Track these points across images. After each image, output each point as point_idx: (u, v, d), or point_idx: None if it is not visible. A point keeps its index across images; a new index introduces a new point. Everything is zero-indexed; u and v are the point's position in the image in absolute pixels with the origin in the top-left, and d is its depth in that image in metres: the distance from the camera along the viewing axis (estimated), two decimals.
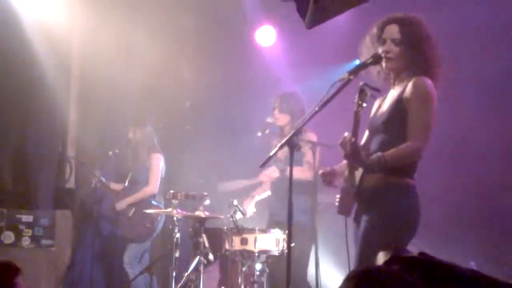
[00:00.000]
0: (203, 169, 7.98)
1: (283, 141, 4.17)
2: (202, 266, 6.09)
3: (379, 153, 3.94)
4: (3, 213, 7.09)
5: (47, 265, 7.15)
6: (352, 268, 4.00)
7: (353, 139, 3.84)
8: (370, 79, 4.12)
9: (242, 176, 7.22)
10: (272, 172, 6.58)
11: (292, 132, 4.13)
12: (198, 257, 6.10)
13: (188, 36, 8.50)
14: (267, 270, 6.10)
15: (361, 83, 3.88)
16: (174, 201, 6.22)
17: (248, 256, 6.07)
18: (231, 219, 6.10)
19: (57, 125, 7.90)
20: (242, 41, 8.34)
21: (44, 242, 7.17)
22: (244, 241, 6.02)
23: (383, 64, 4.15)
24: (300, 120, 4.22)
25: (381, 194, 4.00)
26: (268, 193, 6.62)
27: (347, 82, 3.96)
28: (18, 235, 7.08)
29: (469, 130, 6.97)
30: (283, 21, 7.77)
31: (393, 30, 4.15)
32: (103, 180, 7.57)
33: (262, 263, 6.11)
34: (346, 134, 3.89)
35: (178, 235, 6.21)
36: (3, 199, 7.35)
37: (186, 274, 6.11)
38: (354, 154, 3.88)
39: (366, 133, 4.31)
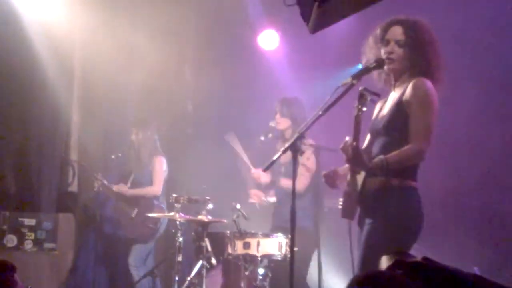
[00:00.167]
0: (205, 173, 7.97)
1: (286, 146, 4.17)
2: (204, 270, 6.09)
3: (381, 156, 3.94)
4: (5, 217, 7.09)
5: (49, 268, 7.15)
6: (356, 272, 3.99)
7: (354, 143, 3.84)
8: (370, 82, 4.12)
9: (242, 181, 7.21)
10: (261, 175, 6.59)
11: (295, 136, 4.13)
12: (200, 261, 6.11)
13: (190, 40, 8.51)
14: (270, 275, 6.10)
15: (360, 88, 3.89)
16: (177, 205, 6.22)
17: (251, 260, 6.07)
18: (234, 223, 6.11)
19: (60, 127, 7.90)
20: (245, 45, 8.34)
21: (47, 245, 7.17)
22: (246, 245, 6.02)
23: (385, 65, 4.15)
24: (303, 124, 4.21)
25: (384, 197, 3.99)
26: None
27: (350, 87, 3.97)
28: (21, 238, 7.08)
29: (470, 131, 6.96)
30: (286, 25, 7.76)
31: (397, 32, 4.16)
32: (106, 183, 7.57)
33: (265, 267, 6.11)
34: (347, 138, 3.89)
35: (181, 239, 6.21)
36: (6, 202, 7.35)
37: (188, 278, 6.12)
38: (356, 158, 3.88)
39: (368, 136, 4.31)
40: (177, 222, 6.23)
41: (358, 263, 4.04)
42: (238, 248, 6.05)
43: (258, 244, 6.00)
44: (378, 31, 4.26)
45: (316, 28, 4.04)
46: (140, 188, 7.48)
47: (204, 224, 6.19)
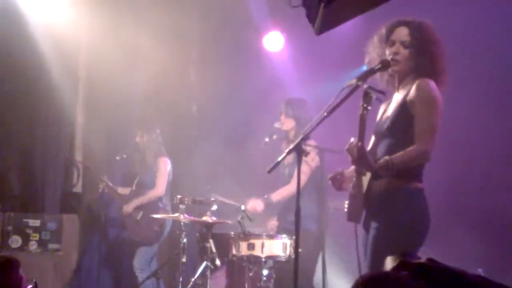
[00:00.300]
0: (209, 174, 7.98)
1: (290, 147, 4.17)
2: (209, 271, 6.09)
3: (387, 157, 3.93)
4: (10, 217, 7.11)
5: (54, 269, 7.17)
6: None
7: (359, 144, 3.84)
8: (375, 82, 4.12)
9: (248, 181, 7.22)
10: (255, 205, 6.58)
11: (300, 137, 4.13)
12: (205, 262, 6.11)
13: (194, 41, 8.52)
14: (274, 276, 6.10)
15: (365, 86, 3.88)
16: (181, 206, 6.23)
17: (255, 261, 6.07)
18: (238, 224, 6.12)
19: (64, 128, 7.92)
20: (250, 46, 8.34)
21: (51, 246, 7.19)
22: (251, 247, 6.02)
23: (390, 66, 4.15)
24: (308, 125, 4.21)
25: (389, 199, 3.98)
26: None
27: (355, 88, 3.96)
28: (25, 239, 7.10)
29: (471, 131, 6.95)
30: (291, 27, 7.76)
31: (403, 33, 4.15)
32: (110, 184, 7.57)
33: (269, 268, 6.11)
34: (352, 139, 3.88)
35: (185, 240, 6.22)
36: (11, 203, 7.38)
37: (193, 279, 6.12)
38: (361, 159, 3.88)
39: (372, 138, 4.30)
40: (182, 223, 6.24)
41: (366, 266, 4.03)
42: (243, 249, 6.05)
43: (262, 245, 6.00)
44: (383, 31, 4.25)
45: (322, 29, 4.03)
46: (142, 196, 7.47)
47: (209, 225, 6.19)
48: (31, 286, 3.49)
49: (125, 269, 7.66)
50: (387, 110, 4.23)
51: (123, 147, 7.75)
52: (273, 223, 6.81)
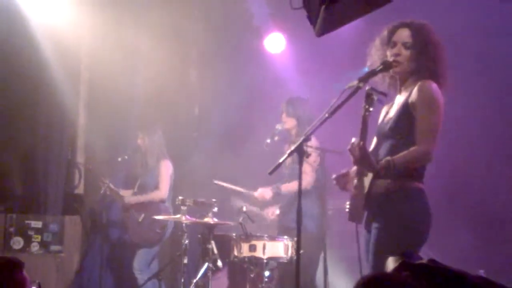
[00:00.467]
0: (211, 175, 7.98)
1: (292, 148, 4.17)
2: (210, 272, 6.10)
3: (388, 158, 3.94)
4: (12, 219, 7.11)
5: (55, 270, 7.17)
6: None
7: (361, 143, 3.84)
8: (375, 85, 4.12)
9: (249, 183, 7.22)
10: (265, 193, 6.62)
11: (301, 138, 4.13)
12: (206, 263, 6.11)
13: (196, 43, 8.53)
14: (276, 277, 6.11)
15: (367, 88, 3.88)
16: (183, 208, 6.23)
17: (257, 262, 6.08)
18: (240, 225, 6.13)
19: (66, 130, 7.93)
20: (251, 47, 8.35)
21: (53, 247, 7.20)
22: (252, 248, 6.04)
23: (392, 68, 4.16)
24: (310, 126, 4.22)
25: (391, 199, 3.99)
26: None
27: (356, 90, 3.97)
28: (27, 240, 7.11)
29: (471, 132, 6.96)
30: (292, 28, 7.76)
31: (404, 34, 4.17)
32: (112, 186, 7.58)
33: (271, 270, 6.11)
34: (353, 139, 3.89)
35: (187, 241, 6.22)
36: (13, 204, 7.38)
37: (194, 281, 6.13)
38: (363, 159, 3.89)
39: (374, 139, 4.31)
40: (183, 225, 6.24)
41: (369, 266, 4.03)
42: (244, 250, 6.06)
43: (264, 247, 6.01)
44: (385, 33, 4.27)
45: (323, 31, 4.03)
46: (146, 194, 7.48)
47: (210, 227, 6.20)
48: (34, 287, 3.50)
49: (127, 270, 7.65)
50: (389, 112, 4.24)
51: (125, 149, 7.75)
52: (272, 210, 6.82)
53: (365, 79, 4.02)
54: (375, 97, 3.83)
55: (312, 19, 3.99)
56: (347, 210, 4.15)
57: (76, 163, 8.11)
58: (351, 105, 3.94)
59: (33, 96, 7.56)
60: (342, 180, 4.23)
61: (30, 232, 7.14)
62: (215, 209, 6.26)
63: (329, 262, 6.11)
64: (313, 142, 6.19)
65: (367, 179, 4.03)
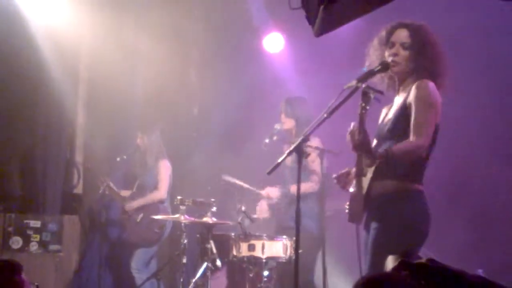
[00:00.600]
0: (210, 175, 7.98)
1: (291, 148, 4.18)
2: (209, 272, 6.10)
3: (386, 148, 3.93)
4: (11, 219, 7.12)
5: (54, 270, 7.18)
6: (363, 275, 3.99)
7: (362, 126, 3.79)
8: (373, 85, 4.12)
9: (248, 182, 7.23)
10: (272, 193, 6.62)
11: (300, 138, 4.14)
12: (205, 263, 6.11)
13: (195, 43, 8.53)
14: (275, 277, 6.11)
15: (363, 86, 3.87)
16: (182, 207, 6.23)
17: (256, 262, 6.08)
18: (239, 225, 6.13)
19: (65, 130, 7.94)
20: (250, 47, 8.34)
21: (52, 247, 7.20)
22: (251, 248, 6.04)
23: (390, 68, 4.16)
24: (309, 127, 4.22)
25: (390, 200, 3.99)
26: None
27: (355, 90, 3.97)
28: (26, 240, 7.11)
29: (471, 132, 6.96)
30: (291, 28, 7.77)
31: (403, 34, 4.18)
32: (111, 185, 7.58)
33: (270, 269, 6.12)
34: (353, 123, 3.84)
35: (185, 241, 6.23)
36: (11, 204, 7.38)
37: (193, 280, 6.12)
38: (363, 143, 3.82)
39: (374, 141, 4.31)
40: (182, 224, 6.25)
41: (367, 267, 4.04)
42: (243, 250, 6.07)
43: (263, 246, 6.02)
44: (383, 33, 4.28)
45: (321, 31, 4.04)
46: (145, 197, 7.49)
47: (209, 226, 6.20)
48: None
49: (125, 270, 7.66)
50: (388, 113, 4.24)
51: (124, 148, 7.75)
52: (264, 207, 6.82)
53: (363, 79, 4.02)
54: (372, 95, 3.82)
55: (310, 19, 3.99)
56: (346, 211, 4.15)
57: (75, 162, 8.11)
58: (350, 105, 3.94)
59: (32, 96, 7.57)
60: (343, 179, 4.23)
61: (29, 232, 7.14)
62: (214, 209, 6.27)
63: (328, 262, 6.11)
64: (313, 142, 6.19)
65: (366, 180, 4.03)
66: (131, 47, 7.95)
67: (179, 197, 6.33)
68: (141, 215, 7.41)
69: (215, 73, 8.34)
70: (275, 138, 6.63)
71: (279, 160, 4.26)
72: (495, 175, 7.06)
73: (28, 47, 7.34)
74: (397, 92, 4.24)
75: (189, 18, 8.21)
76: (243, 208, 6.24)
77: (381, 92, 3.95)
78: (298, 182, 4.16)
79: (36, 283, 3.75)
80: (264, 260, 6.04)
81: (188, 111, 8.69)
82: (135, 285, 7.28)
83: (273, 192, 6.69)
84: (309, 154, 4.24)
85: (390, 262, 2.24)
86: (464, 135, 6.88)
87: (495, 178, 7.06)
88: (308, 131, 4.15)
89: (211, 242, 6.17)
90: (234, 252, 6.12)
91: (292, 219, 4.44)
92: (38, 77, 7.48)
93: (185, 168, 8.14)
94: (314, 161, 6.38)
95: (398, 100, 4.18)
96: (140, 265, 7.39)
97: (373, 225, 4.06)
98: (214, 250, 6.17)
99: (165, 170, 7.52)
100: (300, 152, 4.11)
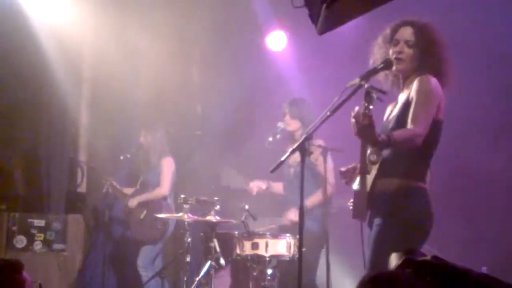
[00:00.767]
0: (213, 174, 7.99)
1: (294, 147, 4.18)
2: (213, 270, 6.10)
3: (388, 133, 3.91)
4: (15, 218, 7.13)
5: (58, 269, 7.19)
6: (366, 272, 3.99)
7: (368, 109, 3.69)
8: (378, 84, 4.11)
9: (250, 180, 7.23)
10: (292, 216, 6.46)
11: (303, 137, 4.14)
12: (209, 261, 6.12)
13: (198, 41, 8.53)
14: (278, 275, 6.11)
15: (366, 86, 3.86)
16: (185, 206, 6.24)
17: (259, 260, 6.08)
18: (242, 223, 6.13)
19: (69, 129, 7.95)
20: (253, 46, 8.34)
21: (56, 246, 7.22)
22: (255, 246, 6.04)
23: (394, 66, 4.16)
24: (312, 125, 4.22)
25: (393, 198, 3.99)
26: None
27: (358, 88, 3.96)
28: (30, 239, 7.13)
29: (475, 130, 6.96)
30: (294, 26, 7.76)
31: (407, 32, 4.17)
32: (115, 184, 7.59)
33: (273, 267, 6.12)
34: (357, 108, 3.74)
35: (189, 239, 6.24)
36: (15, 203, 7.40)
37: (197, 279, 6.13)
38: (368, 127, 3.70)
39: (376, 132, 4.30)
40: (186, 223, 6.25)
41: (368, 263, 4.04)
42: (247, 248, 6.07)
43: (266, 245, 6.01)
44: (387, 31, 4.27)
45: (324, 29, 4.04)
46: (148, 193, 7.51)
47: (213, 225, 6.20)
48: None
49: (130, 268, 7.68)
50: (393, 110, 4.24)
51: (127, 147, 7.77)
52: (257, 184, 6.81)
53: (366, 77, 4.01)
54: (375, 95, 3.80)
55: (313, 18, 4.00)
56: (350, 207, 4.15)
57: (79, 161, 8.13)
58: (353, 103, 3.94)
59: (36, 95, 7.58)
60: (349, 175, 4.23)
61: (33, 231, 7.16)
62: (218, 207, 6.27)
63: (332, 260, 6.10)
64: (317, 141, 6.18)
65: (370, 177, 4.03)
66: (134, 47, 7.96)
67: (182, 196, 6.34)
68: (144, 212, 7.43)
69: (218, 71, 8.34)
70: (278, 136, 6.62)
71: (282, 159, 4.26)
72: (495, 174, 7.06)
73: (31, 47, 7.35)
74: (401, 89, 4.24)
75: (191, 17, 8.21)
76: (246, 207, 6.23)
77: (384, 92, 3.92)
78: (301, 180, 4.16)
79: (39, 282, 3.76)
80: (267, 259, 6.04)
81: (191, 110, 8.69)
82: (141, 283, 7.30)
83: (258, 185, 6.65)
84: (312, 153, 4.25)
85: (394, 260, 2.24)
86: (465, 135, 6.88)
87: (498, 178, 7.05)
88: (311, 130, 4.15)
89: (215, 240, 6.17)
90: (238, 251, 6.13)
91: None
92: (41, 76, 7.50)
93: (189, 167, 8.15)
94: (317, 159, 6.37)
95: (402, 97, 4.18)
96: (146, 263, 7.40)
97: (376, 221, 4.06)
98: (218, 249, 6.17)
99: (168, 167, 7.53)
100: (303, 150, 4.11)
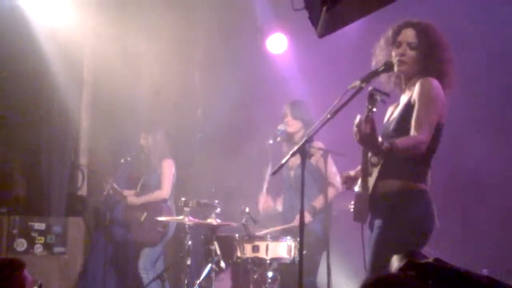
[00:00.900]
0: (214, 177, 7.99)
1: (295, 149, 4.18)
2: (213, 273, 6.10)
3: (391, 140, 3.91)
4: (15, 221, 7.13)
5: (59, 272, 7.20)
6: (367, 275, 3.99)
7: (370, 116, 3.68)
8: (380, 86, 4.11)
9: (251, 183, 7.22)
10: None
11: (303, 139, 4.14)
12: (209, 264, 6.11)
13: (199, 44, 8.53)
14: (279, 278, 6.11)
15: (370, 88, 3.84)
16: (186, 209, 6.24)
17: (260, 263, 6.08)
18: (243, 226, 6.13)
19: (69, 133, 7.95)
20: (254, 48, 8.35)
21: (57, 249, 7.22)
22: (255, 249, 6.04)
23: (396, 67, 4.15)
24: (312, 127, 4.22)
25: (394, 200, 3.99)
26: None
27: (358, 90, 3.96)
28: (31, 242, 7.13)
29: (476, 129, 6.96)
30: (295, 29, 7.77)
31: (410, 34, 4.16)
32: (116, 186, 7.59)
33: (274, 270, 6.12)
34: (359, 116, 3.72)
35: (190, 242, 6.24)
36: (16, 206, 7.40)
37: (198, 282, 6.13)
38: (371, 135, 3.68)
39: (379, 139, 4.30)
40: (186, 226, 6.25)
41: (368, 266, 4.03)
42: (247, 251, 6.07)
43: (267, 247, 6.01)
44: (389, 33, 4.26)
45: (325, 32, 4.04)
46: (148, 194, 7.51)
47: (213, 228, 6.20)
48: None
49: (130, 271, 7.69)
50: (394, 112, 4.24)
51: (128, 150, 7.77)
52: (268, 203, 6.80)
53: (367, 79, 4.01)
54: (378, 98, 3.79)
55: (313, 20, 4.00)
56: (351, 210, 4.14)
57: (79, 165, 8.13)
58: (354, 106, 3.94)
59: (36, 98, 7.58)
60: (351, 180, 4.24)
61: (34, 234, 7.17)
62: (218, 210, 6.27)
63: (332, 262, 6.10)
64: (317, 144, 6.18)
65: (372, 180, 4.03)
66: (135, 49, 7.96)
67: (183, 199, 6.34)
68: (144, 215, 7.43)
69: (218, 74, 8.35)
70: (278, 139, 6.61)
71: (283, 161, 4.26)
72: (495, 175, 7.06)
73: (32, 50, 7.36)
74: (403, 91, 4.24)
75: (192, 20, 8.21)
76: (247, 210, 6.23)
77: (387, 95, 3.91)
78: (302, 182, 4.16)
79: (39, 281, 3.76)
80: (268, 261, 6.04)
81: (192, 112, 8.69)
82: (141, 286, 7.29)
83: (306, 218, 6.48)
84: (312, 155, 4.25)
85: (396, 262, 2.23)
86: (465, 135, 6.88)
87: (499, 179, 7.05)
88: (312, 132, 4.15)
89: (215, 243, 6.17)
90: (238, 253, 6.12)
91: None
92: (42, 79, 7.51)
93: (189, 170, 8.15)
94: (318, 161, 6.37)
95: (404, 99, 4.18)
96: (147, 265, 7.40)
97: (377, 223, 4.06)
98: (218, 252, 6.17)
99: (168, 169, 7.53)
100: (303, 153, 4.11)
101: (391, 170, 3.99)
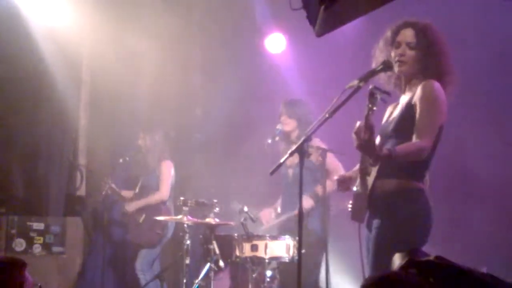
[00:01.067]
0: (213, 176, 7.99)
1: (293, 148, 4.18)
2: (212, 272, 6.10)
3: (390, 147, 3.92)
4: (14, 221, 7.13)
5: (58, 272, 7.20)
6: (366, 274, 3.99)
7: (369, 122, 3.70)
8: (379, 85, 4.11)
9: (251, 182, 7.23)
10: (306, 204, 6.39)
11: (302, 139, 4.14)
12: (208, 263, 6.12)
13: (197, 44, 8.53)
14: (278, 277, 6.11)
15: (370, 87, 3.84)
16: (185, 208, 6.24)
17: (259, 262, 6.08)
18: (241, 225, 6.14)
19: (68, 132, 7.95)
20: (252, 48, 8.35)
21: (55, 249, 7.22)
22: (254, 248, 6.04)
23: (395, 68, 4.15)
24: (310, 127, 4.22)
25: (392, 199, 3.99)
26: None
27: (356, 89, 3.96)
28: (29, 242, 7.14)
29: (477, 128, 6.96)
30: (293, 28, 7.77)
31: (409, 34, 4.16)
32: (114, 187, 7.59)
33: (273, 269, 6.12)
34: (358, 122, 3.75)
35: (188, 242, 6.24)
36: (15, 206, 7.39)
37: (196, 281, 6.13)
38: (369, 142, 3.70)
39: (378, 139, 4.30)
40: (185, 225, 6.25)
41: (369, 265, 4.04)
42: (246, 250, 6.07)
43: (265, 247, 6.02)
44: (388, 33, 4.26)
45: (322, 31, 4.05)
46: (147, 197, 7.50)
47: (212, 227, 6.21)
48: None
49: (129, 271, 7.68)
50: (393, 112, 4.24)
51: (126, 150, 7.76)
52: (268, 214, 6.80)
53: (365, 79, 4.01)
54: (379, 96, 3.79)
55: (311, 20, 4.00)
56: (349, 209, 4.15)
57: (78, 165, 8.12)
58: (352, 105, 3.94)
59: (35, 98, 7.58)
60: (345, 183, 4.24)
61: (32, 234, 7.17)
62: (217, 210, 6.27)
63: (331, 261, 6.10)
64: (316, 142, 6.17)
65: (370, 179, 4.03)
66: (133, 50, 7.95)
67: (182, 198, 6.34)
68: (143, 216, 7.43)
69: (217, 74, 8.34)
70: (277, 138, 6.61)
71: (281, 161, 4.26)
72: (495, 175, 7.06)
73: (30, 50, 7.35)
74: (403, 91, 4.24)
75: (190, 20, 8.21)
76: (245, 209, 6.23)
77: (388, 93, 3.91)
78: (300, 181, 4.15)
79: (39, 284, 3.76)
80: (267, 260, 6.04)
81: (191, 113, 8.69)
82: (139, 286, 7.29)
83: (307, 203, 6.47)
84: (310, 154, 4.24)
85: (397, 260, 2.24)
86: (464, 135, 6.88)
87: (500, 178, 7.05)
88: (310, 131, 4.15)
89: (214, 242, 6.17)
90: (237, 253, 6.12)
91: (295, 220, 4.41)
92: (40, 80, 7.50)
93: (188, 169, 8.15)
94: (317, 160, 6.37)
95: (404, 99, 4.18)
96: (144, 266, 7.40)
97: (375, 224, 4.06)
98: (217, 251, 6.17)
99: (167, 170, 7.53)
100: (302, 152, 4.11)
101: (389, 169, 3.99)
